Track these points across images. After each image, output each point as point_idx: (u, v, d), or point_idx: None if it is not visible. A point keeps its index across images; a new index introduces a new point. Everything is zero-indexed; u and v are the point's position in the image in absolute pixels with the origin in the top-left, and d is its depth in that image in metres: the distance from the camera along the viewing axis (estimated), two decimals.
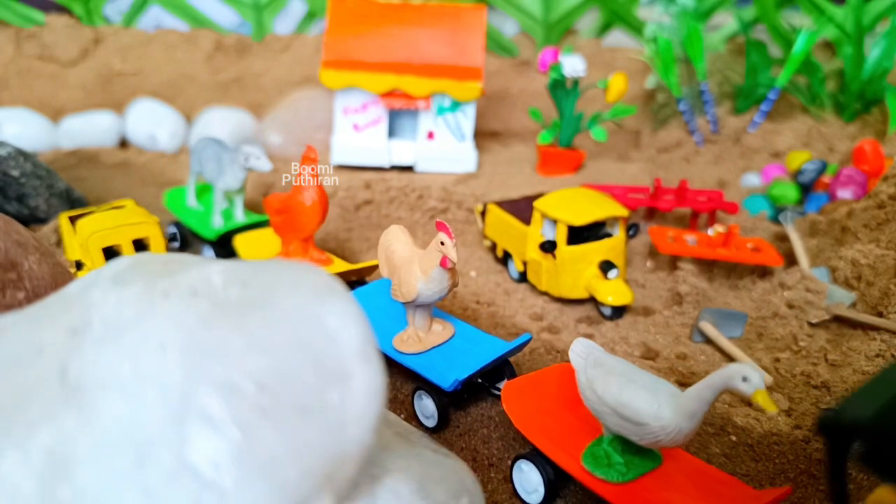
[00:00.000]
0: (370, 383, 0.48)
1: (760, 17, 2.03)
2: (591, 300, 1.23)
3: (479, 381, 0.98)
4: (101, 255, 1.10)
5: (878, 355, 1.05)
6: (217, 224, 1.33)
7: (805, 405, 0.97)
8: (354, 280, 1.22)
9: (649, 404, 0.69)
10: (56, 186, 1.43)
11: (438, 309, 1.06)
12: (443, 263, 0.90)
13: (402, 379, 1.03)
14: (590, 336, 1.14)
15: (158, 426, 0.44)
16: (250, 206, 1.46)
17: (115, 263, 0.54)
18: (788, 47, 1.89)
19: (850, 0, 1.89)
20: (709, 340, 1.13)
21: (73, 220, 1.20)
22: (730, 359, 1.08)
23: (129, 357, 0.46)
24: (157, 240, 1.14)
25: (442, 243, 0.88)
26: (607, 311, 1.20)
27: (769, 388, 1.00)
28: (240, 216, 1.36)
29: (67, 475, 0.44)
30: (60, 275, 0.77)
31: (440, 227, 0.89)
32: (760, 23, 2.06)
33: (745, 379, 0.65)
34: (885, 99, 1.76)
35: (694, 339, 1.14)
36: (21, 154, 1.40)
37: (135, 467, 0.43)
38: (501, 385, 0.96)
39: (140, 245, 1.15)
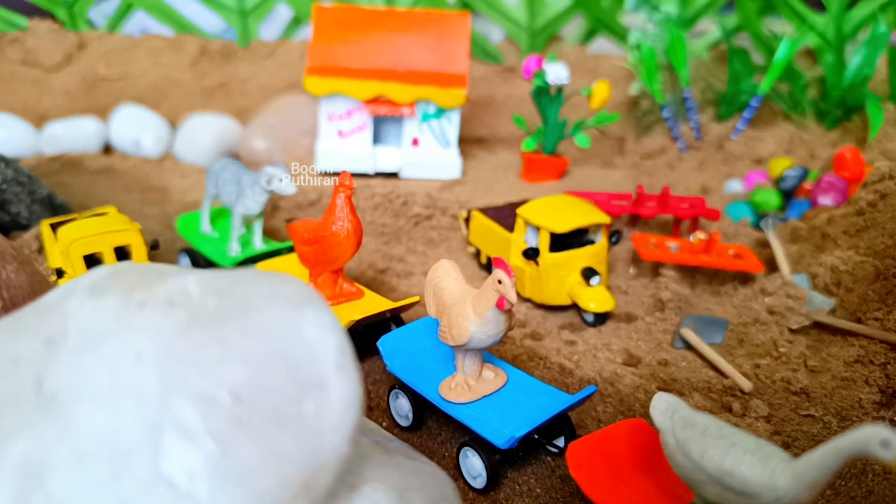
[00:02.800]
0: (347, 393, 0.48)
1: (743, 25, 2.05)
2: (574, 307, 1.24)
3: (536, 437, 0.88)
4: (82, 263, 1.09)
5: (856, 361, 1.06)
6: (234, 252, 1.25)
7: (785, 411, 0.98)
8: (388, 317, 1.11)
9: (760, 472, 0.60)
10: (38, 193, 1.43)
11: (489, 353, 0.97)
12: (499, 304, 0.81)
13: (448, 433, 0.95)
14: (572, 343, 1.15)
15: (134, 437, 0.44)
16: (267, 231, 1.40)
17: (93, 273, 0.54)
18: (770, 55, 1.91)
19: (831, 8, 1.91)
20: (690, 347, 1.13)
21: (54, 227, 1.19)
22: (711, 365, 1.09)
23: (105, 367, 0.46)
24: (138, 247, 1.14)
25: (499, 281, 0.79)
26: (590, 318, 1.20)
27: (749, 395, 1.01)
28: (258, 243, 1.29)
29: (42, 485, 0.44)
30: (39, 284, 0.77)
31: (498, 263, 0.81)
32: (743, 30, 2.08)
33: (884, 444, 0.54)
34: (866, 106, 1.78)
35: (675, 346, 1.14)
36: (2, 160, 1.39)
37: (110, 478, 0.43)
38: (560, 441, 0.89)
39: (122, 253, 1.14)
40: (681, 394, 1.02)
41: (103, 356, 0.47)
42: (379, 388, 1.03)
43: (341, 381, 0.48)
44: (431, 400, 0.89)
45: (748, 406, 0.98)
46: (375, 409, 0.99)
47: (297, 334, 0.48)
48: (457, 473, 0.87)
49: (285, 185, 1.17)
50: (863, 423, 0.95)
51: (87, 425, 0.45)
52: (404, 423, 0.95)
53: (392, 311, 1.07)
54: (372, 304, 1.10)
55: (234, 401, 0.45)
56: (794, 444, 0.91)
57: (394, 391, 0.96)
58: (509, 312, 0.83)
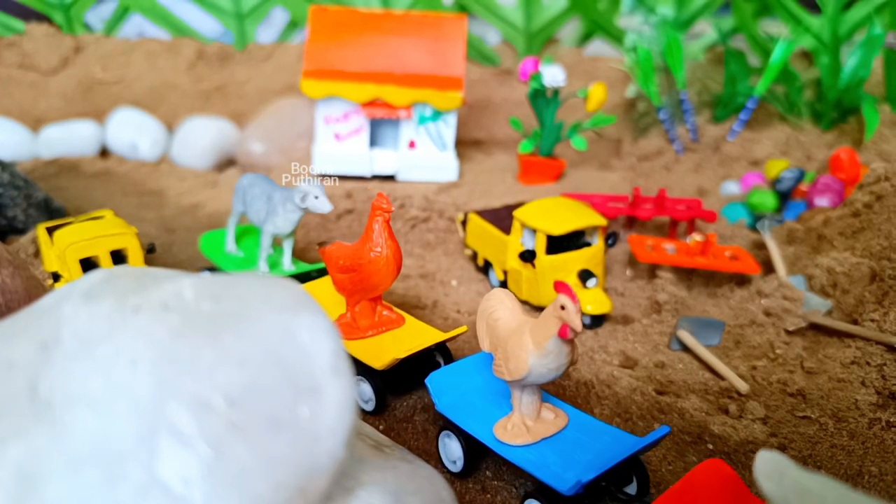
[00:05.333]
0: (342, 397, 0.48)
1: (739, 27, 2.05)
2: None
3: (603, 483, 0.80)
4: (78, 267, 1.09)
5: (853, 362, 1.06)
6: (263, 272, 1.18)
7: (781, 413, 0.98)
8: (433, 348, 1.01)
9: None
10: (35, 196, 1.42)
11: (546, 392, 0.90)
12: (562, 333, 0.73)
13: (504, 480, 0.86)
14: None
15: (129, 442, 0.44)
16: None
17: (89, 277, 0.54)
18: (766, 57, 1.91)
19: (827, 10, 1.91)
20: (687, 349, 1.13)
21: (50, 231, 1.19)
22: (707, 367, 1.09)
23: (99, 372, 0.46)
24: (134, 251, 1.14)
25: (562, 307, 0.72)
26: (586, 320, 1.20)
27: (746, 397, 1.01)
28: (288, 264, 1.22)
29: (37, 491, 0.44)
30: (34, 288, 0.76)
31: (561, 288, 0.73)
32: (739, 32, 2.08)
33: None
34: (862, 108, 1.78)
35: (672, 348, 1.14)
36: None
37: (105, 483, 0.43)
38: (630, 489, 0.81)
39: (118, 256, 1.14)
40: (677, 396, 1.02)
41: (98, 361, 0.47)
42: (426, 426, 0.95)
43: (336, 385, 0.48)
44: (485, 442, 0.81)
45: (745, 408, 0.98)
46: (422, 452, 0.91)
47: (291, 338, 0.48)
48: None
49: (321, 203, 1.11)
50: (859, 424, 0.95)
51: (81, 430, 0.45)
52: (454, 468, 0.87)
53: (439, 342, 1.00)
54: (416, 334, 1.02)
55: (229, 405, 0.45)
56: (790, 447, 0.91)
57: (443, 433, 0.88)
58: (573, 343, 0.76)
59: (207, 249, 1.31)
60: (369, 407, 0.98)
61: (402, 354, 0.93)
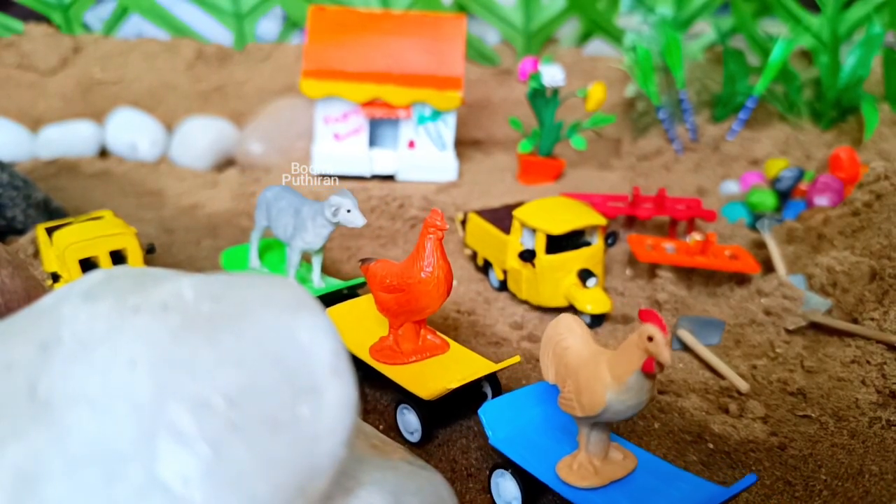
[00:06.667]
0: (342, 397, 0.48)
1: (738, 27, 2.05)
2: (571, 309, 1.24)
3: None
4: (77, 267, 1.09)
5: (853, 361, 1.06)
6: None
7: (781, 412, 0.98)
8: (484, 379, 0.95)
9: None
10: (34, 197, 1.42)
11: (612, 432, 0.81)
12: (647, 368, 0.66)
13: None
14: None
15: (128, 442, 0.44)
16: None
17: (88, 278, 0.54)
18: (766, 56, 1.91)
19: (826, 9, 1.91)
20: (687, 348, 1.13)
21: (50, 231, 1.19)
22: (707, 366, 1.09)
23: (99, 373, 0.46)
24: (134, 251, 1.14)
25: (650, 338, 0.65)
26: (586, 320, 1.20)
27: (746, 396, 1.01)
28: (318, 281, 1.16)
29: (36, 492, 0.44)
30: (34, 288, 0.76)
31: (648, 317, 0.66)
32: (738, 32, 2.08)
33: None
34: (861, 107, 1.78)
35: (672, 347, 1.14)
36: None
37: (104, 483, 0.43)
38: None
39: (118, 257, 1.14)
40: (678, 395, 1.02)
41: (97, 361, 0.47)
42: (473, 459, 0.89)
43: (336, 386, 0.48)
44: (547, 483, 0.75)
45: (745, 407, 0.98)
46: (471, 490, 0.85)
47: (291, 338, 0.48)
48: None
49: (354, 217, 1.04)
50: (860, 423, 0.95)
51: (80, 431, 0.45)
52: None
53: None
54: (464, 362, 0.95)
55: (229, 405, 0.44)
56: (790, 446, 0.91)
57: (497, 470, 0.81)
58: (654, 377, 0.69)
59: (230, 265, 1.26)
60: (415, 438, 0.92)
61: (454, 384, 0.87)
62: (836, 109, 1.86)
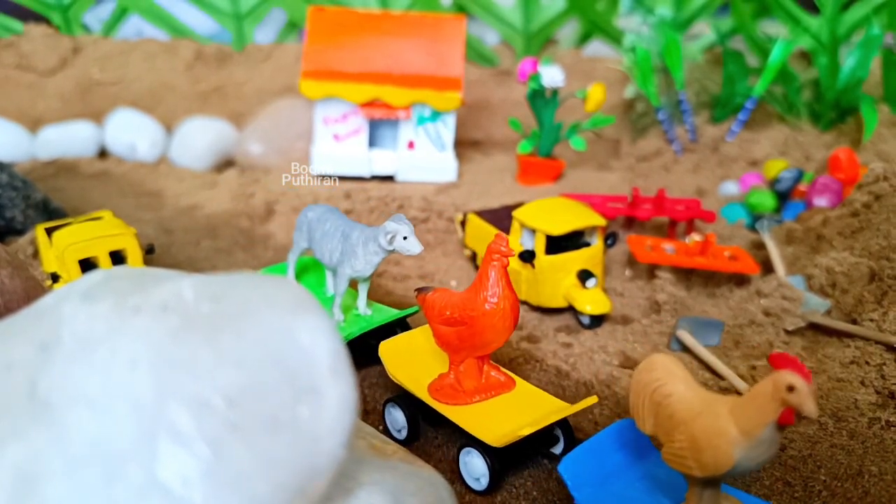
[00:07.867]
0: (342, 398, 0.48)
1: (737, 28, 2.05)
2: (570, 309, 1.24)
3: None
4: (77, 268, 1.09)
5: (852, 362, 1.06)
6: (338, 319, 1.05)
7: None
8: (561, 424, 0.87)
9: None
10: (33, 197, 1.42)
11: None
12: (786, 419, 0.58)
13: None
14: (568, 345, 1.15)
15: (128, 442, 0.44)
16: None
17: (88, 278, 0.54)
18: (765, 57, 1.91)
19: (826, 10, 1.91)
20: (686, 349, 1.13)
21: (49, 231, 1.19)
22: (707, 367, 1.09)
23: (99, 373, 0.46)
24: (133, 252, 1.14)
25: (789, 388, 0.57)
26: (586, 320, 1.20)
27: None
28: (363, 308, 1.08)
29: (36, 492, 0.44)
30: (33, 289, 0.76)
31: (783, 362, 0.58)
32: (737, 33, 2.08)
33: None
34: (860, 108, 1.78)
35: (672, 348, 1.14)
36: None
37: (104, 484, 0.43)
38: None
39: (117, 257, 1.14)
40: None
41: (97, 361, 0.47)
42: None
43: (336, 386, 0.48)
44: None
45: None
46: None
47: (291, 339, 0.48)
48: None
49: (410, 245, 0.95)
50: (859, 423, 0.95)
51: (80, 431, 0.45)
52: None
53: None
54: (532, 402, 0.87)
55: (229, 406, 0.44)
56: (790, 446, 0.91)
57: None
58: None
59: None
60: (481, 485, 0.83)
61: (526, 431, 0.79)
62: (836, 110, 1.86)
